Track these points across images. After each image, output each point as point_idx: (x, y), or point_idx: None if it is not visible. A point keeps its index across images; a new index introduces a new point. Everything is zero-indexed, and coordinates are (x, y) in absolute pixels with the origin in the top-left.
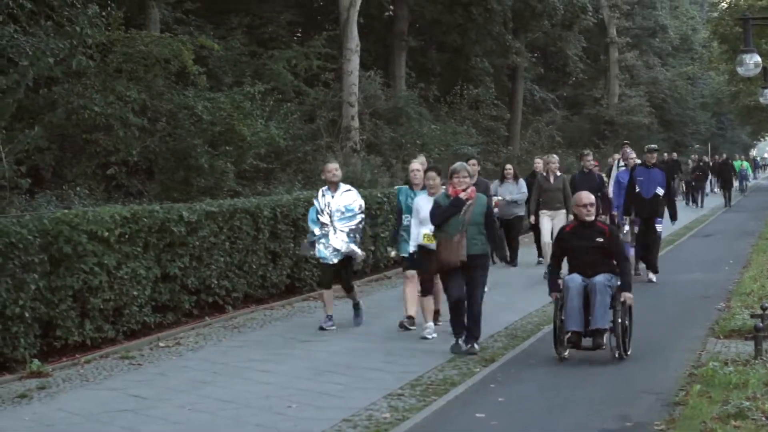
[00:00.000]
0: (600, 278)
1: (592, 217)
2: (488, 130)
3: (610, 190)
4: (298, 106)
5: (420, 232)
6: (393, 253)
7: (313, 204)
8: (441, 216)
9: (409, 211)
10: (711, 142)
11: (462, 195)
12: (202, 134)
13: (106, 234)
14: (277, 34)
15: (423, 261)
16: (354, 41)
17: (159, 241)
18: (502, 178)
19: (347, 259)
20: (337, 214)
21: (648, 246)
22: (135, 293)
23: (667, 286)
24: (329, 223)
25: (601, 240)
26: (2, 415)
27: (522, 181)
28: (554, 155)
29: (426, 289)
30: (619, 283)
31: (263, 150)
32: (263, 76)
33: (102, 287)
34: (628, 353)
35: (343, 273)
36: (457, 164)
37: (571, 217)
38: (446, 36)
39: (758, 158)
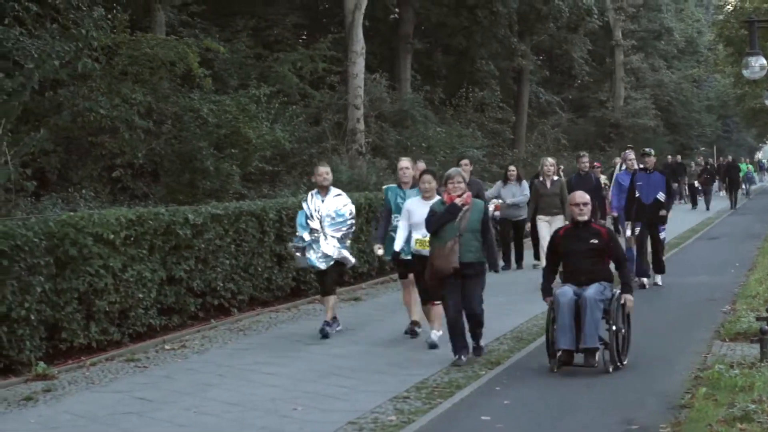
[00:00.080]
0: (592, 292)
1: (586, 217)
2: (494, 132)
3: (610, 193)
4: (303, 109)
5: (413, 238)
6: (380, 251)
7: (301, 208)
8: (436, 223)
9: (399, 210)
10: (716, 145)
11: (458, 201)
12: (208, 137)
13: (112, 236)
14: (283, 36)
15: (418, 268)
16: (359, 44)
17: (164, 243)
18: (506, 180)
19: (337, 264)
20: (328, 220)
21: (652, 250)
22: (140, 296)
23: (672, 289)
24: (319, 229)
25: (596, 242)
26: (8, 418)
27: (525, 183)
28: (548, 158)
29: (432, 295)
30: (612, 294)
31: (269, 153)
32: (269, 79)
33: (107, 290)
34: (624, 363)
35: (327, 277)
36: (452, 170)
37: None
38: (452, 39)
39: (764, 161)
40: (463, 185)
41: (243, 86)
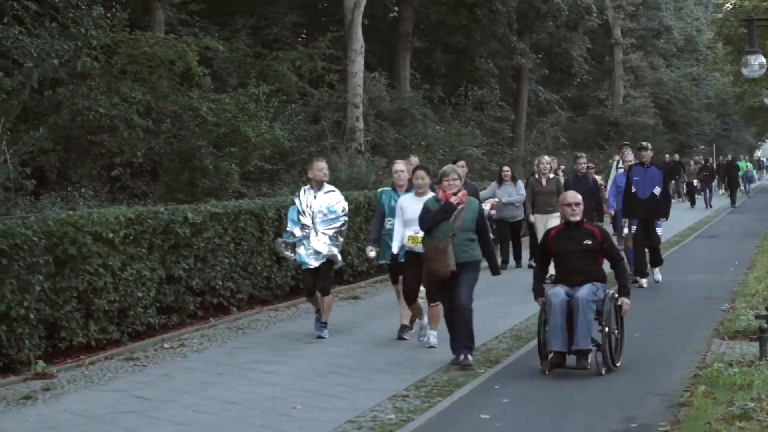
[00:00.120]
0: (584, 292)
1: (578, 218)
2: (493, 131)
3: (607, 192)
4: (302, 108)
5: (405, 234)
6: (372, 253)
7: (293, 203)
8: (430, 221)
9: (392, 214)
10: (716, 144)
11: (453, 199)
12: (207, 135)
13: (111, 235)
14: (282, 35)
15: (409, 266)
16: (358, 42)
17: (164, 242)
18: (500, 180)
19: (327, 262)
20: (320, 216)
21: (648, 247)
22: (140, 294)
23: (671, 287)
24: (311, 225)
25: (590, 242)
26: (7, 417)
27: (520, 183)
28: (545, 156)
29: (410, 298)
30: (605, 294)
31: (268, 151)
32: (268, 78)
33: (107, 288)
34: (617, 365)
35: (321, 276)
36: (447, 167)
37: None
38: (451, 37)
39: (763, 159)
40: (458, 183)
41: (242, 85)
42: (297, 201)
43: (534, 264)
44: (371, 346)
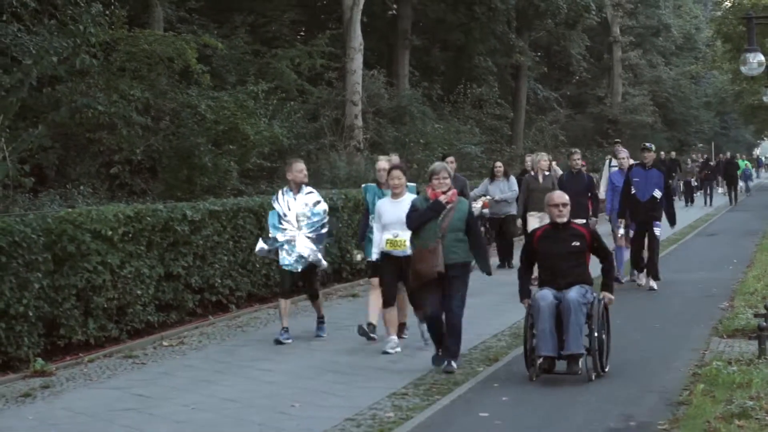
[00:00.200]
0: (573, 294)
1: (566, 219)
2: (491, 129)
3: (601, 190)
4: (301, 105)
5: (383, 237)
6: (359, 257)
7: (272, 208)
8: (418, 220)
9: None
10: (714, 142)
11: (442, 198)
12: (206, 133)
13: (110, 233)
14: (281, 33)
15: (385, 269)
16: (357, 40)
17: (162, 240)
18: (492, 177)
19: (311, 266)
20: (304, 219)
21: (648, 252)
22: (138, 292)
23: (670, 285)
24: (294, 228)
25: (578, 244)
26: (6, 414)
27: (513, 179)
28: (543, 153)
29: (387, 300)
30: (593, 297)
31: (266, 149)
32: (267, 75)
33: (106, 286)
34: (606, 370)
35: (307, 281)
36: (437, 164)
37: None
38: (450, 35)
39: (762, 157)
40: (448, 181)
41: (241, 82)
42: (276, 205)
43: None
44: (369, 344)
